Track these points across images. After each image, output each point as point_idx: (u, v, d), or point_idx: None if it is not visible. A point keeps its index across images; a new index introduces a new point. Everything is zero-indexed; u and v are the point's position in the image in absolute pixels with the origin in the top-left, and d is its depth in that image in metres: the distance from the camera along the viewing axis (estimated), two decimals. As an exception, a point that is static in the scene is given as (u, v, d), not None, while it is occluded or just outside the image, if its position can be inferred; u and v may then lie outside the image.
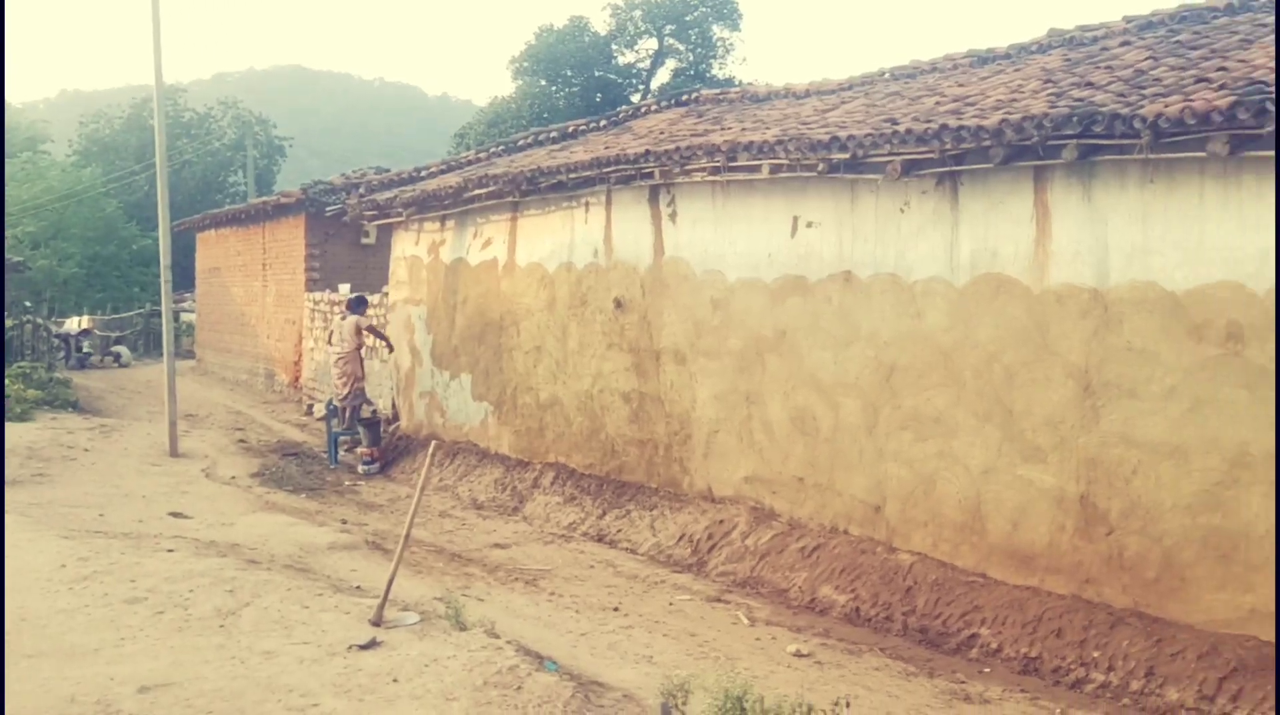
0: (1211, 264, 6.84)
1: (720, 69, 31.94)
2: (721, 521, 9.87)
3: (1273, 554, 6.46)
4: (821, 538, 9.07)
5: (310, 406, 19.05)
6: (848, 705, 5.18)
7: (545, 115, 28.70)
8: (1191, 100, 6.65)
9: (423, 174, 17.67)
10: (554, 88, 31.51)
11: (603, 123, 16.41)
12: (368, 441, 14.56)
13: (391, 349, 15.67)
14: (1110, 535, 7.27)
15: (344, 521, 11.09)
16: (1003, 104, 8.24)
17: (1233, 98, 6.42)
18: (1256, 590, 6.53)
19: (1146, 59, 8.30)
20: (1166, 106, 6.72)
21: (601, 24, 32.64)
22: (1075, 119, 7.17)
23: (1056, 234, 7.71)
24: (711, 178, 10.30)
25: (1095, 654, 6.89)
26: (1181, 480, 6.91)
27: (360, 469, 14.32)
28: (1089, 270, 7.50)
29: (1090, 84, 8.01)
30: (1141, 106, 6.90)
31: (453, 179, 14.87)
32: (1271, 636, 6.43)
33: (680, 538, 10.02)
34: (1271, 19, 8.36)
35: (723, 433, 10.31)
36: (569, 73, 31.50)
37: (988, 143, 7.70)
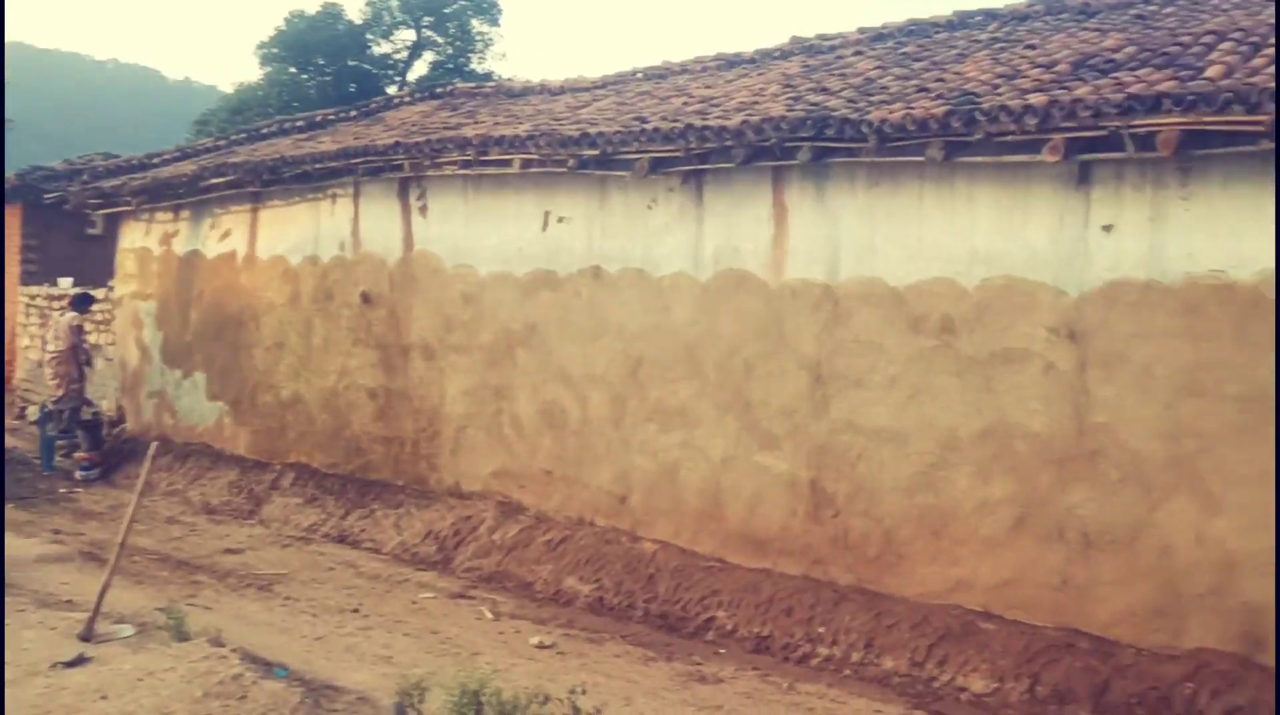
0: (929, 261, 7.30)
1: (479, 64, 31.62)
2: (469, 517, 9.75)
3: (978, 528, 6.96)
4: (568, 530, 9.11)
5: (23, 409, 17.52)
6: (583, 692, 5.19)
7: (295, 104, 27.56)
8: (913, 108, 7.08)
9: (155, 161, 16.54)
10: (305, 76, 30.31)
11: (353, 113, 15.88)
12: (87, 446, 13.48)
13: (84, 369, 14.08)
14: (837, 517, 7.65)
15: (57, 531, 10.23)
16: (745, 106, 8.51)
17: (948, 107, 6.88)
18: (962, 563, 7.03)
19: (876, 68, 8.78)
20: (891, 113, 7.12)
21: (356, 12, 31.70)
22: (810, 122, 7.50)
23: (793, 232, 8.03)
24: (463, 171, 10.17)
25: (821, 629, 7.23)
26: (900, 463, 7.34)
27: (78, 475, 13.25)
28: (821, 267, 7.85)
29: (825, 90, 8.39)
30: (869, 112, 7.28)
31: (188, 167, 14.04)
32: (975, 605, 6.93)
33: (426, 535, 9.82)
34: (984, 35, 9.02)
35: (472, 428, 10.19)
36: (321, 61, 30.37)
37: (730, 143, 7.95)
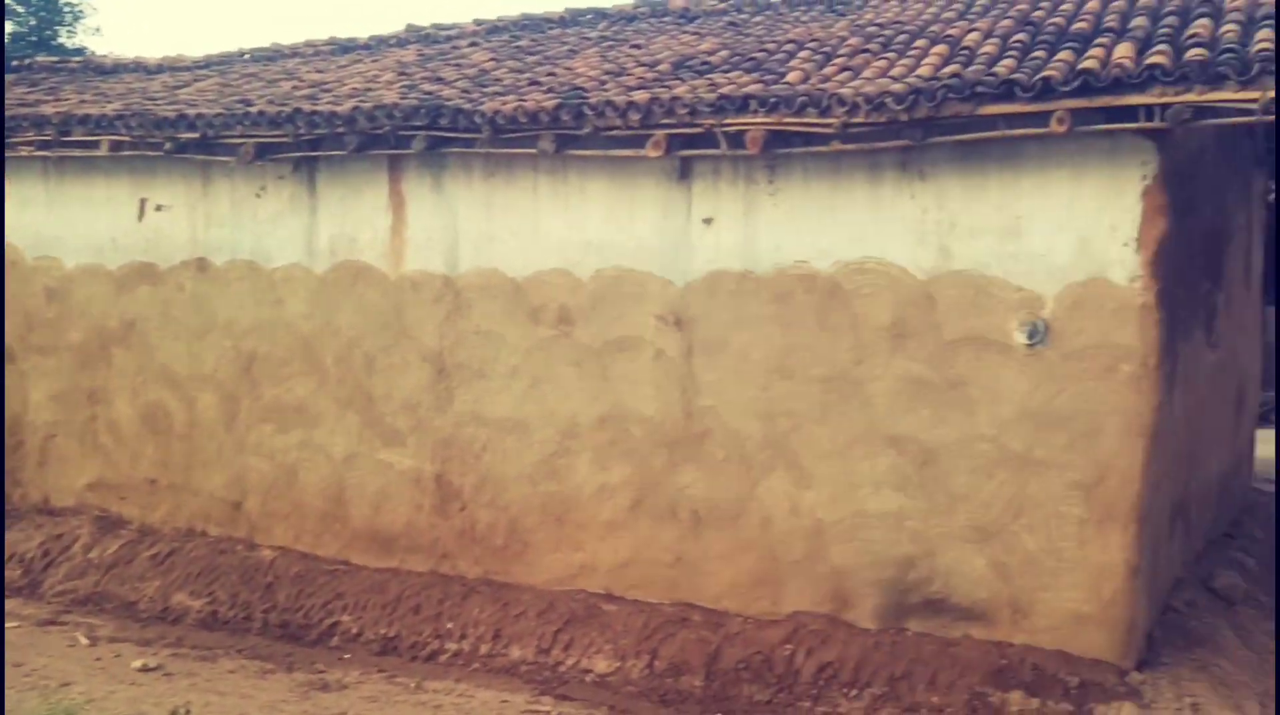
0: (546, 252, 7.42)
1: (69, 38, 28.60)
2: (60, 535, 8.83)
3: (598, 512, 7.19)
4: (177, 542, 8.50)
5: None
6: (188, 712, 4.83)
7: None
8: (524, 100, 7.16)
9: None
10: None
11: (-93, 85, 13.90)
12: None
13: None
14: (464, 510, 7.63)
15: None
16: (358, 92, 8.27)
17: (558, 100, 7.01)
18: (584, 547, 7.23)
19: (490, 60, 8.81)
20: (504, 104, 7.16)
21: (-85, -27, 27.60)
22: (424, 111, 7.40)
23: (411, 222, 7.91)
24: (42, 153, 9.19)
25: (450, 625, 7.19)
26: (524, 452, 7.44)
27: None
28: (441, 257, 7.79)
29: (440, 79, 8.31)
30: (482, 103, 7.29)
31: None
32: (598, 587, 7.16)
33: (9, 558, 8.78)
34: (594, 34, 9.29)
35: (62, 437, 9.25)
36: None
37: (341, 129, 7.69)
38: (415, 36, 10.59)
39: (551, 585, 7.27)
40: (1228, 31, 5.70)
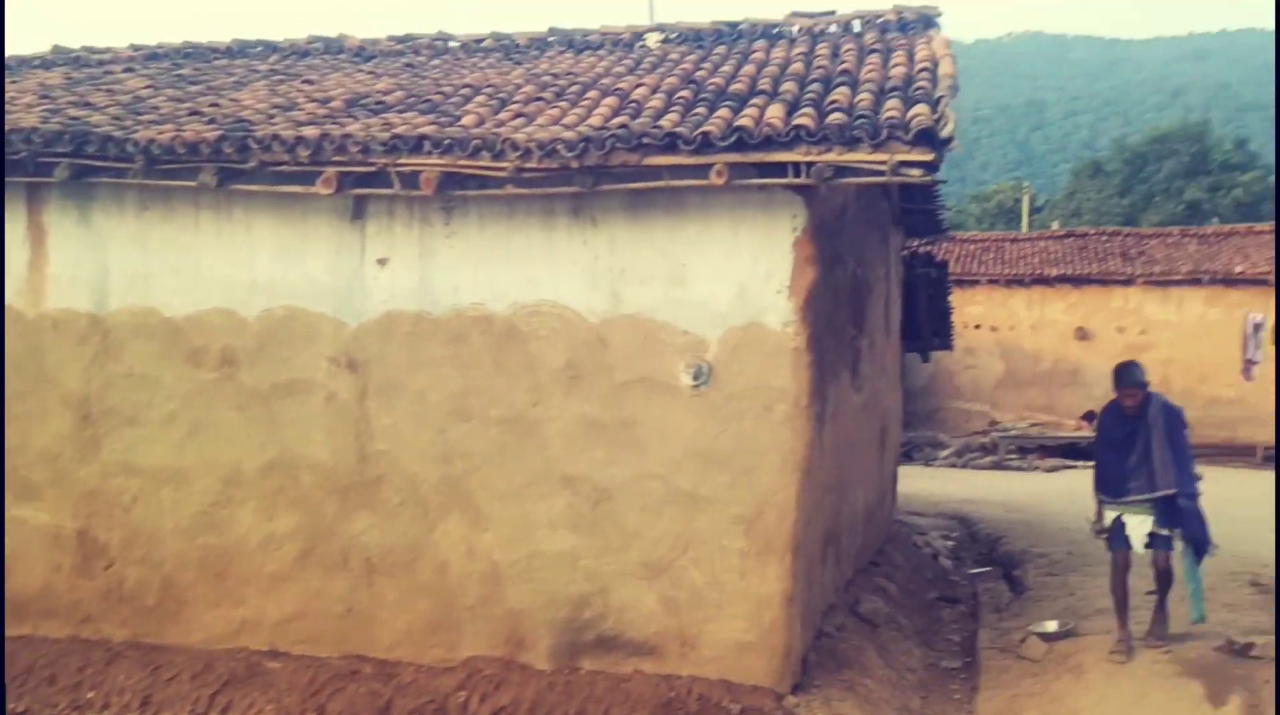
0: (208, 291, 7.02)
1: None
2: None
3: (263, 565, 6.81)
4: None
5: None
6: None
7: None
8: (183, 130, 6.76)
9: None
10: None
11: None
12: None
13: None
14: (110, 569, 7.02)
15: None
16: (-9, 114, 7.52)
17: (220, 131, 6.67)
18: (247, 603, 6.83)
19: (148, 87, 8.27)
20: (160, 134, 6.74)
21: None
22: (68, 137, 6.85)
23: (54, 257, 7.29)
24: None
25: (90, 694, 6.55)
26: (181, 504, 6.96)
27: None
28: (88, 295, 7.21)
29: (89, 104, 7.72)
30: (135, 131, 6.83)
31: None
32: (262, 644, 6.77)
33: None
34: (264, 66, 8.94)
35: None
36: None
37: (-30, 153, 6.95)
38: (63, 59, 9.80)
39: (210, 644, 6.80)
40: (862, 100, 6.26)
